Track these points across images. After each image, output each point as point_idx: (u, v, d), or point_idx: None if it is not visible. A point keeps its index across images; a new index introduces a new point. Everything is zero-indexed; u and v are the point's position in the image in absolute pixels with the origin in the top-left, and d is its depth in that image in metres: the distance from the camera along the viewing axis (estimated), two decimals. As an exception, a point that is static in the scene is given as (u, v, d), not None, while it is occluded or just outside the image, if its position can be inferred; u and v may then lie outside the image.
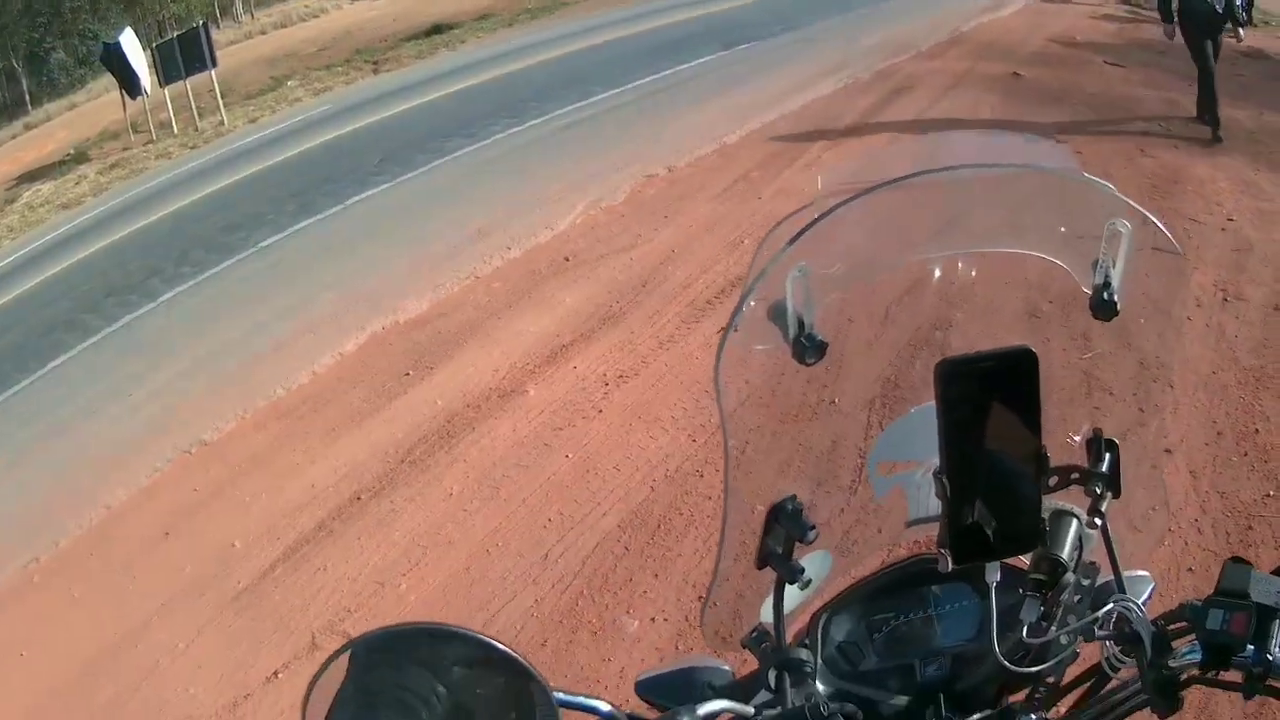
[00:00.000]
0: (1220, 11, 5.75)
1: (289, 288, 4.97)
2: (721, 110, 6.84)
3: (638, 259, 4.06)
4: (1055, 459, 0.69)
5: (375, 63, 16.94)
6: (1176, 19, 5.87)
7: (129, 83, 13.06)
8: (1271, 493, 2.62)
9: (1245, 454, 2.78)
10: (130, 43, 13.37)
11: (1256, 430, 2.89)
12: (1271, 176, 5.37)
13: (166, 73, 13.91)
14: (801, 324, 0.69)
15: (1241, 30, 5.95)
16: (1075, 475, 0.72)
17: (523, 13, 20.40)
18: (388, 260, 4.85)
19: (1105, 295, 0.72)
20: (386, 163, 7.32)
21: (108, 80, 15.19)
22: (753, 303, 0.70)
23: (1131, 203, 0.72)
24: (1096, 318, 0.74)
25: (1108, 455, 0.72)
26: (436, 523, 2.89)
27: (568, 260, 4.21)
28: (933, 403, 0.63)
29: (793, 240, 0.68)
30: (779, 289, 0.69)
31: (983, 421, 0.62)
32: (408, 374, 3.42)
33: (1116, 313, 0.73)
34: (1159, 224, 0.73)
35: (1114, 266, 0.72)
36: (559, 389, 3.07)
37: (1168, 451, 2.72)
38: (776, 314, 0.70)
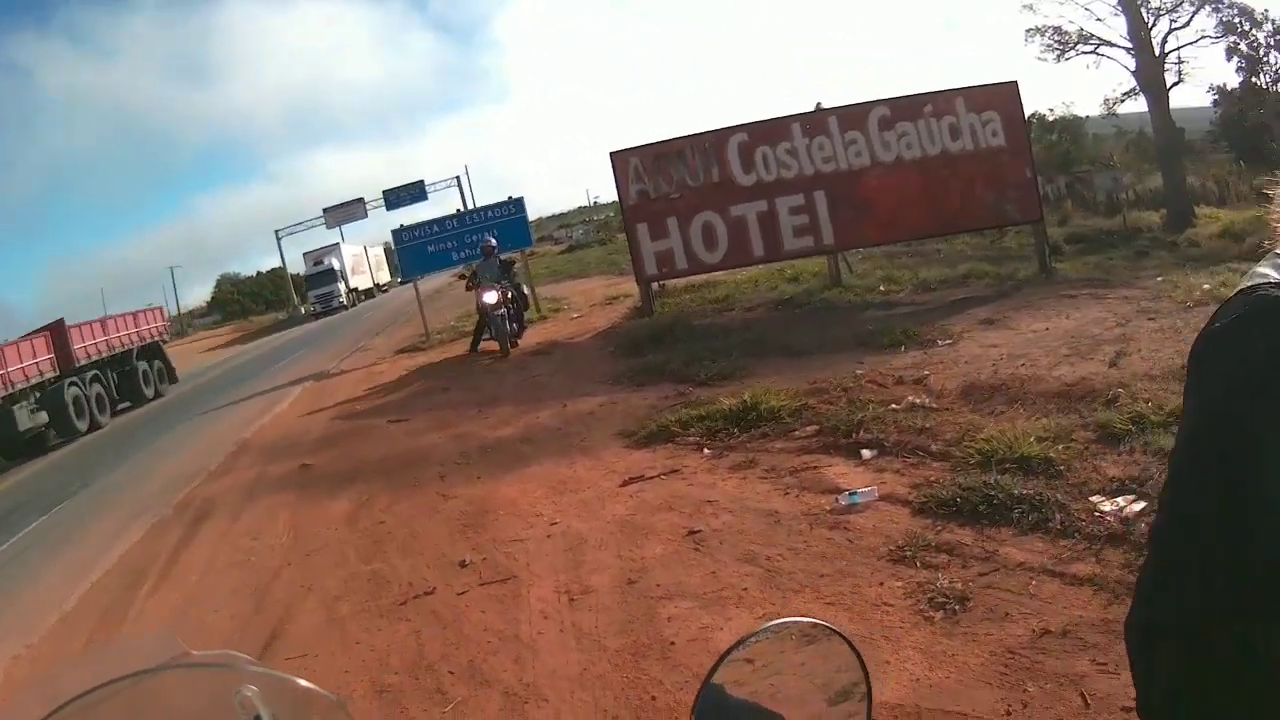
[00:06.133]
0: None
1: None
2: (47, 590, 5.86)
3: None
4: None
5: None
6: None
7: None
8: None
9: (649, 723, 2.75)
10: None
11: (653, 697, 2.86)
12: (587, 463, 5.65)
13: None
14: None
15: None
16: None
17: None
18: None
19: None
20: None
21: None
22: None
23: (263, 669, 0.71)
24: None
25: None
26: None
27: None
28: None
29: None
30: None
31: None
32: None
33: None
34: (297, 680, 0.69)
35: None
36: None
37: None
38: None
